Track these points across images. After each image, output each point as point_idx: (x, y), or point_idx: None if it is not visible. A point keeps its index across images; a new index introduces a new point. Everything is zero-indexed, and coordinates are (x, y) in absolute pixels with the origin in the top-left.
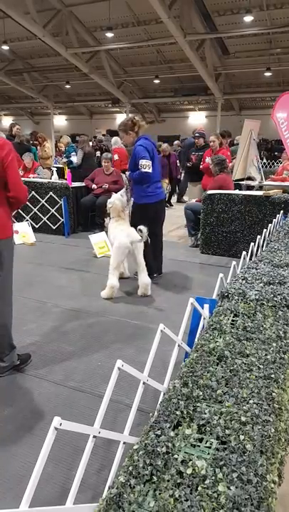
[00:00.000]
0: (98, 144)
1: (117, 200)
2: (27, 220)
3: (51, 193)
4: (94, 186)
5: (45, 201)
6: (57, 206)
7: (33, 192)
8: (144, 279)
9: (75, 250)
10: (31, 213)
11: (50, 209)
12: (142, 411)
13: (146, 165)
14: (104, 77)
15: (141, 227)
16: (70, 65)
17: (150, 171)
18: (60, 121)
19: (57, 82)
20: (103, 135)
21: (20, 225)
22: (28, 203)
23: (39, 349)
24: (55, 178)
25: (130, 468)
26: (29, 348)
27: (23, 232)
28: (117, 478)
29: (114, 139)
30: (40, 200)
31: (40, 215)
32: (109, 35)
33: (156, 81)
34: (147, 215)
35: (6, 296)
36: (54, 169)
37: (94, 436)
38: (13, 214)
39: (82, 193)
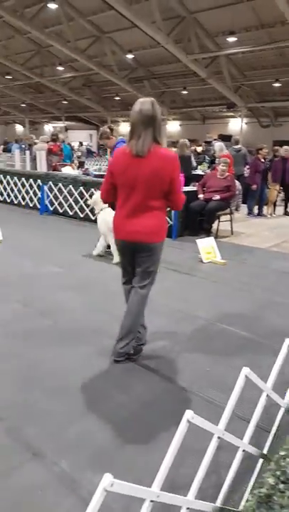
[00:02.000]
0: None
1: (96, 198)
2: None
3: None
4: (200, 196)
5: None
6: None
7: None
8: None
9: (181, 253)
10: None
11: None
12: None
13: None
14: (222, 82)
15: None
16: (188, 71)
17: None
18: (173, 126)
19: (174, 88)
20: (214, 140)
21: None
22: None
23: (149, 344)
24: None
25: (278, 472)
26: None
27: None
28: (266, 479)
29: (219, 145)
30: None
31: None
32: (231, 39)
33: (276, 84)
34: None
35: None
36: None
37: (218, 437)
38: None
39: (190, 197)
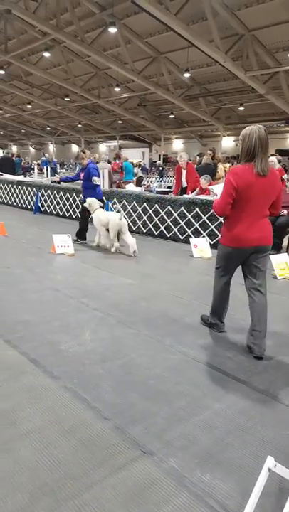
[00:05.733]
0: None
1: (90, 202)
2: (203, 236)
3: None
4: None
5: (223, 219)
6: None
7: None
8: (129, 239)
9: None
10: (208, 230)
11: None
12: None
13: (97, 180)
14: (281, 97)
15: (118, 206)
16: (245, 87)
17: (99, 184)
18: (228, 142)
19: (230, 104)
20: (272, 155)
21: (199, 240)
22: (206, 220)
23: (238, 356)
24: None
25: None
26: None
27: (201, 247)
28: None
29: (271, 160)
30: (219, 218)
31: (217, 231)
32: None
33: None
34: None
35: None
36: None
37: None
38: (191, 229)
39: None
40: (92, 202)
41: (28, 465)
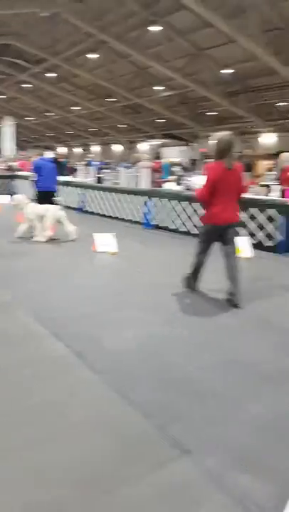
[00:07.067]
0: None
1: (17, 199)
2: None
3: (269, 209)
4: None
5: (264, 218)
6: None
7: (250, 209)
8: (69, 227)
9: None
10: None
11: (266, 226)
12: None
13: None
14: None
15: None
16: (287, 82)
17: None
18: (269, 138)
19: (270, 100)
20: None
21: (240, 239)
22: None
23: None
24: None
25: None
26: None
27: (240, 247)
28: None
29: (287, 155)
30: (256, 216)
31: (256, 231)
32: None
33: None
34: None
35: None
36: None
37: None
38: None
39: None
40: (18, 198)
41: (69, 456)
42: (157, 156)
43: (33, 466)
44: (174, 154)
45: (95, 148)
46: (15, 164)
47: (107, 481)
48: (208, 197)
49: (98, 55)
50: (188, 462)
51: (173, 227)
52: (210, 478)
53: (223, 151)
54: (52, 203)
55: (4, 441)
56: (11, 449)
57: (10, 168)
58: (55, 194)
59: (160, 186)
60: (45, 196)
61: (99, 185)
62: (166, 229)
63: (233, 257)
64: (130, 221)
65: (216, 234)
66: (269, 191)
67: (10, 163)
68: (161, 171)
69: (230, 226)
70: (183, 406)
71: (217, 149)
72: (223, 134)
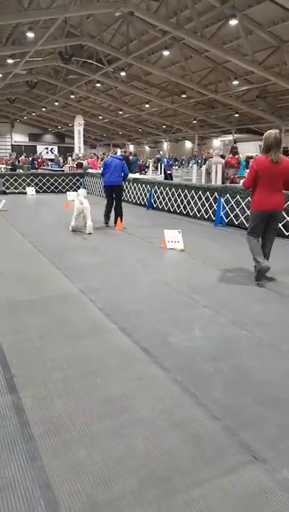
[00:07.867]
0: None
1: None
2: None
3: None
4: None
5: None
6: None
7: None
8: (89, 222)
9: None
10: None
11: None
12: None
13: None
14: None
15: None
16: None
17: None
18: None
19: None
20: None
21: None
22: None
23: None
24: None
25: None
26: None
27: None
28: None
29: None
30: None
31: None
32: None
33: None
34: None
35: None
36: None
37: None
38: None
39: None
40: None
41: (138, 452)
42: (235, 152)
43: (111, 457)
44: (252, 149)
45: (166, 145)
46: (85, 162)
47: (179, 480)
48: (249, 185)
49: (172, 52)
50: (263, 470)
51: (248, 225)
52: (286, 489)
53: (269, 146)
54: (116, 196)
55: (87, 428)
56: (93, 435)
57: (80, 166)
58: (119, 188)
59: (236, 182)
60: (110, 190)
61: (167, 181)
62: (238, 226)
63: (272, 240)
64: (201, 218)
65: (262, 219)
66: None
67: (80, 161)
68: (238, 167)
69: (275, 212)
70: (257, 411)
71: (264, 144)
72: (272, 130)
